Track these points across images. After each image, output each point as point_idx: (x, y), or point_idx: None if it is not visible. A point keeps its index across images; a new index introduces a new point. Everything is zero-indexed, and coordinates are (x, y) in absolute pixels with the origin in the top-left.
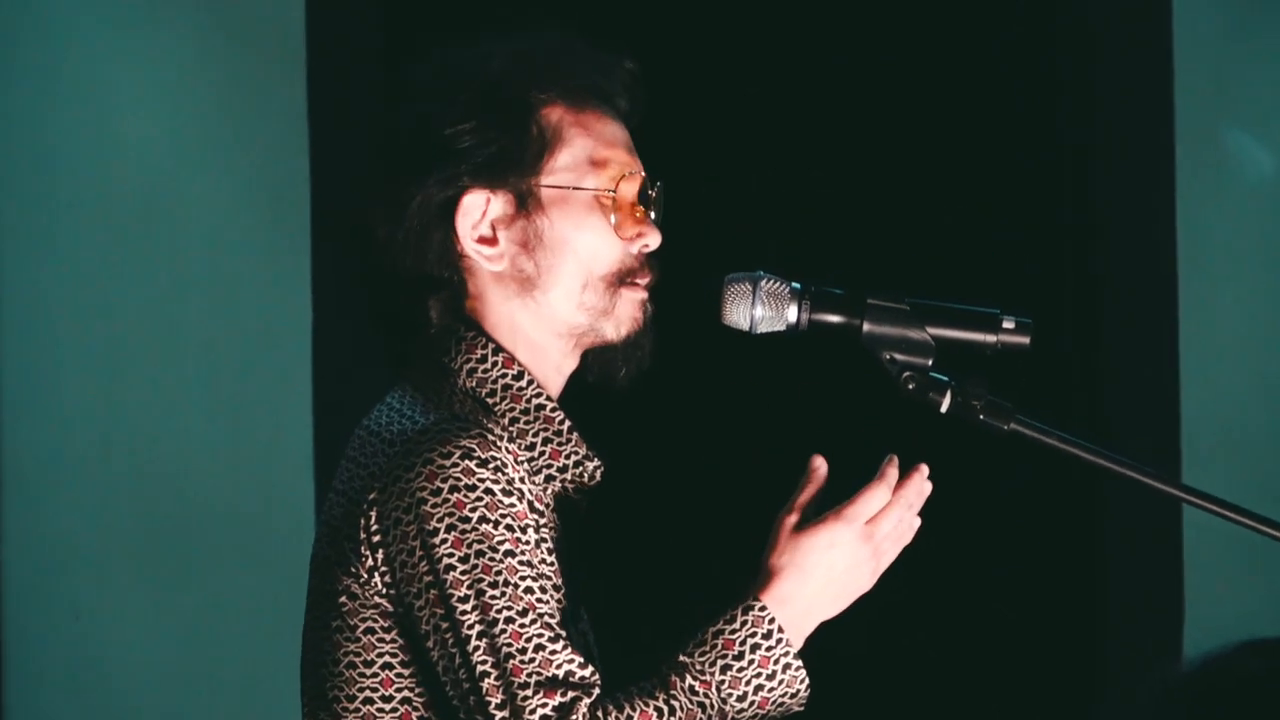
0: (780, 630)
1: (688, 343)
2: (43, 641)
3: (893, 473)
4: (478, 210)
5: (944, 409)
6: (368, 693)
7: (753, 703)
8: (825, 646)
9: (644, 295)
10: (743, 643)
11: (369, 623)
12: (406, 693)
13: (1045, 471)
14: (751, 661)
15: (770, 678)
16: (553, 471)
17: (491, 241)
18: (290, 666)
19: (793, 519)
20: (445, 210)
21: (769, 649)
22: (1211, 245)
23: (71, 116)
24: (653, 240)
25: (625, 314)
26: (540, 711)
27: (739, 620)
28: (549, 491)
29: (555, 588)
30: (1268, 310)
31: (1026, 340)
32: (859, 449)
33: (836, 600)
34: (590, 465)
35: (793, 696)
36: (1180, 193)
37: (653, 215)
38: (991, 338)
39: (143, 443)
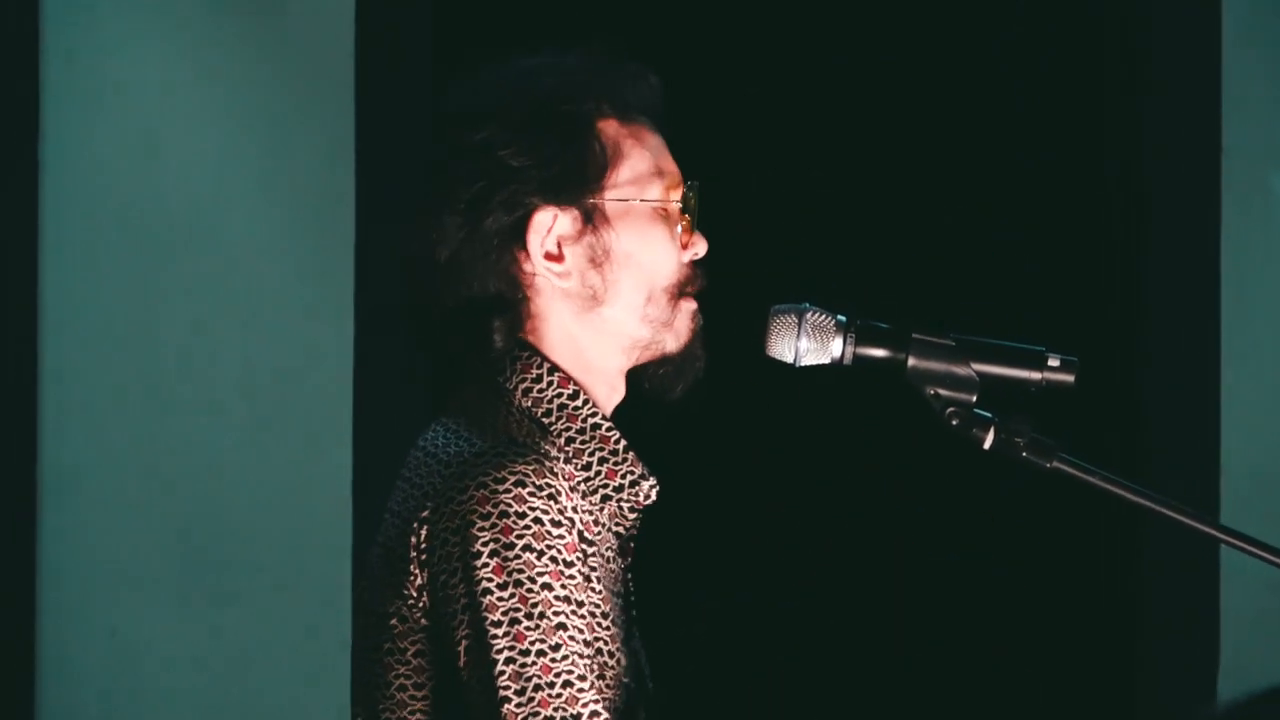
0: None
1: (728, 367)
2: (78, 659)
3: None
4: (544, 228)
5: (987, 445)
6: (420, 715)
7: None
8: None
9: (695, 305)
10: None
11: (418, 645)
12: (454, 718)
13: (1085, 510)
14: None
15: None
16: (609, 491)
17: (558, 258)
18: (324, 692)
19: None
20: (515, 230)
21: None
22: (1255, 289)
23: (120, 132)
24: (702, 249)
25: (683, 325)
26: None
27: None
28: (605, 512)
29: (604, 615)
30: None
31: (1071, 378)
32: (902, 480)
33: None
34: (645, 485)
35: None
36: (1225, 235)
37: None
38: (1036, 375)
39: (181, 461)
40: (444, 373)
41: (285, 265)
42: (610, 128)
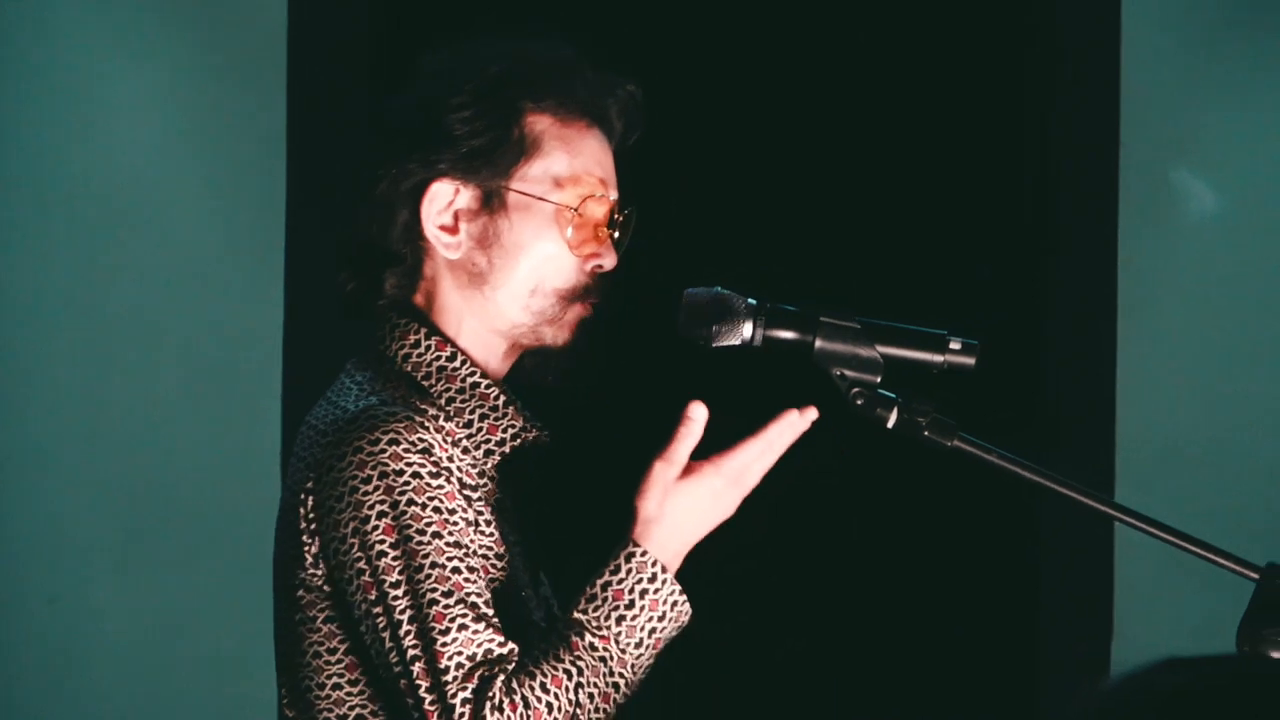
0: (663, 570)
1: (646, 350)
2: (17, 627)
3: (775, 429)
4: (444, 199)
5: (890, 425)
6: (335, 679)
7: (648, 645)
8: (764, 653)
9: (589, 314)
10: (631, 590)
11: (326, 612)
12: (371, 675)
13: (985, 488)
14: (642, 608)
15: (661, 618)
16: (491, 446)
17: (452, 230)
18: (261, 657)
19: (668, 468)
20: (415, 192)
21: (656, 591)
22: (1151, 276)
23: (57, 119)
24: (608, 262)
25: (568, 324)
26: (461, 695)
27: (624, 569)
28: (490, 465)
29: (498, 557)
30: (1203, 339)
31: (972, 361)
32: (804, 459)
33: (705, 529)
34: (530, 436)
35: (681, 627)
36: (1122, 224)
37: (616, 236)
38: (939, 358)
39: (121, 436)
40: (351, 316)
41: (220, 246)
42: (541, 122)
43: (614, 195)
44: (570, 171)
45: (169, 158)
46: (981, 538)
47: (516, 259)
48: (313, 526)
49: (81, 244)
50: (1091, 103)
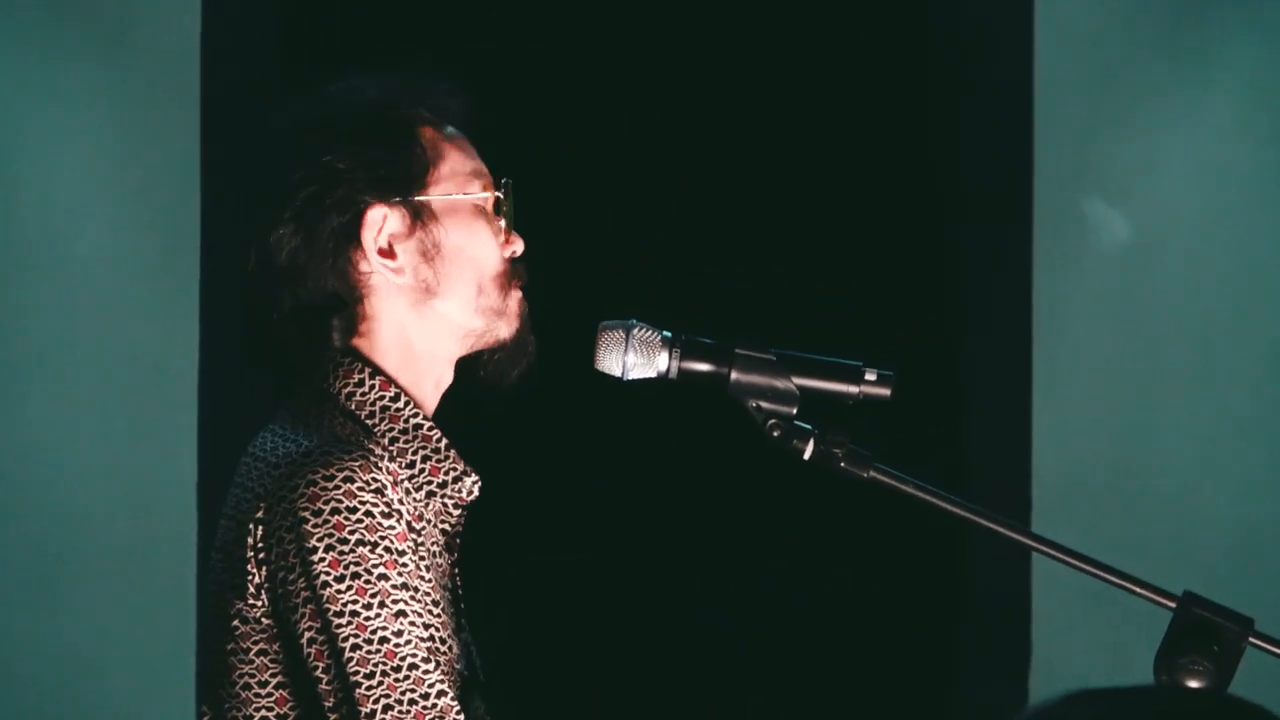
0: None
1: (557, 380)
2: None
3: None
4: (376, 225)
5: (806, 456)
6: (264, 712)
7: None
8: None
9: (520, 294)
10: None
11: (260, 645)
12: (300, 711)
13: (903, 519)
14: None
15: None
16: (433, 487)
17: (391, 255)
18: (167, 688)
19: None
20: (348, 231)
21: None
22: (1065, 307)
23: None
24: (519, 246)
25: (513, 312)
26: None
27: None
28: (430, 508)
29: (434, 603)
30: (1116, 371)
31: (887, 392)
32: (746, 489)
33: None
34: (468, 481)
35: None
36: (1037, 254)
37: (504, 223)
38: (854, 389)
39: (30, 466)
40: (281, 376)
41: (134, 275)
42: (428, 133)
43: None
44: (469, 169)
45: (82, 188)
46: (898, 568)
47: (460, 262)
48: (259, 556)
49: None
50: (1004, 133)
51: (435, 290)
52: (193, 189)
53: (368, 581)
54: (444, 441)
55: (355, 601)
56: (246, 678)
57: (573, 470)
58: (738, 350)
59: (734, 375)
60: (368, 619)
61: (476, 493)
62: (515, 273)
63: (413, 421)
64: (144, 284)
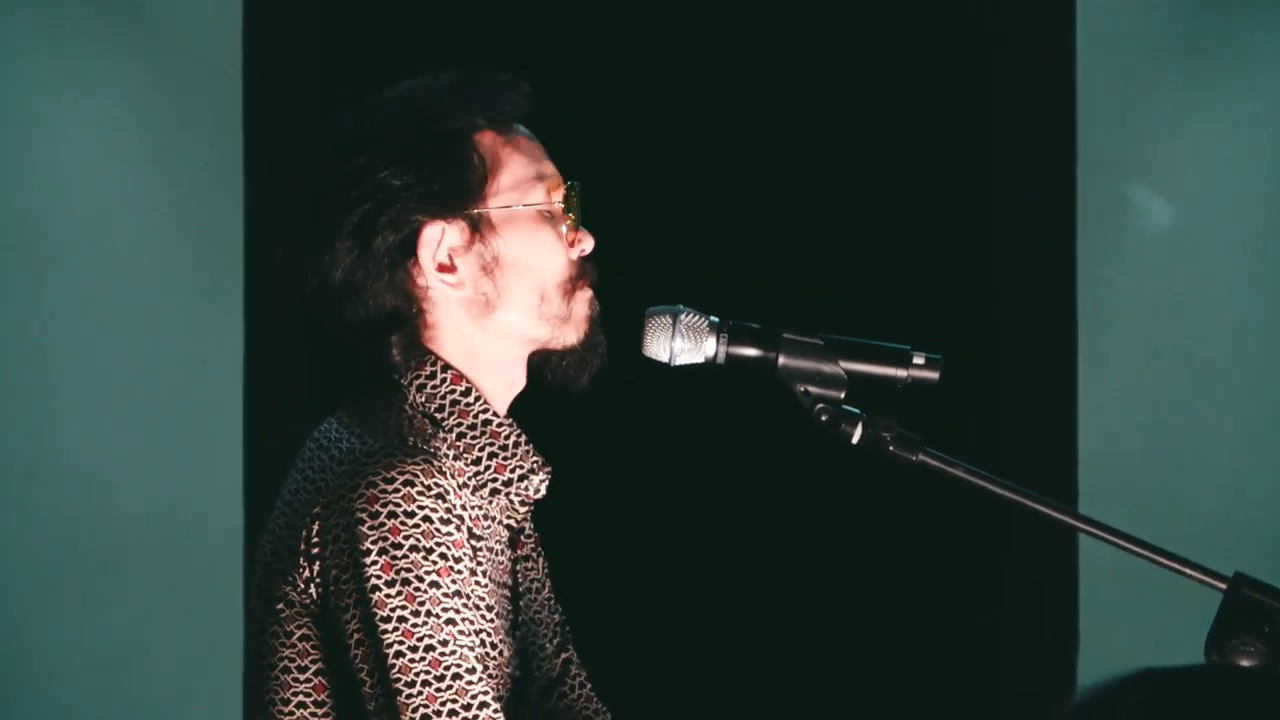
0: None
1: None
2: None
3: None
4: (434, 241)
5: (855, 440)
6: (301, 697)
7: None
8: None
9: (591, 294)
10: None
11: (303, 629)
12: (336, 700)
13: (949, 502)
14: None
15: None
16: (498, 485)
17: (451, 269)
18: (211, 690)
19: None
20: (405, 248)
21: None
22: (1109, 291)
23: (12, 149)
24: (588, 244)
25: (580, 316)
26: None
27: None
28: (495, 504)
29: (489, 608)
30: (1161, 357)
31: (936, 375)
32: (777, 478)
33: None
34: (535, 479)
35: None
36: (1081, 240)
37: (581, 217)
38: (902, 372)
39: (75, 467)
40: (340, 387)
41: (176, 276)
42: (487, 139)
43: (563, 181)
44: (531, 174)
45: (123, 190)
46: (945, 552)
47: (520, 272)
48: (313, 551)
49: (36, 277)
50: (1048, 120)
51: (496, 303)
52: (236, 184)
53: (418, 589)
54: (513, 438)
55: (404, 608)
56: (286, 661)
57: (601, 462)
58: (785, 335)
59: (782, 360)
60: (414, 626)
61: (544, 491)
62: (584, 273)
63: (482, 417)
64: (189, 281)
